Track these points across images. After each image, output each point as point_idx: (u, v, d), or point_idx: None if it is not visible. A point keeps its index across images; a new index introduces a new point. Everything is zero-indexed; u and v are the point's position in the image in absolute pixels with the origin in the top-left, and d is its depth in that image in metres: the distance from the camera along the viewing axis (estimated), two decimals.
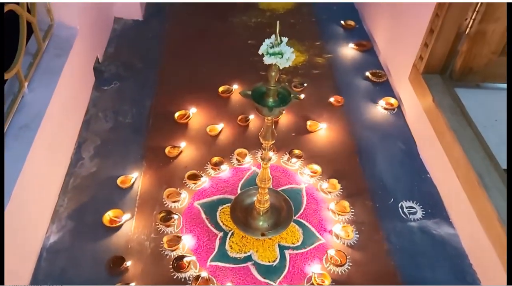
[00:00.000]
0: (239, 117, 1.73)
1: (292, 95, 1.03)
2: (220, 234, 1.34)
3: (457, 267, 1.31)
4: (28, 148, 1.20)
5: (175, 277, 1.24)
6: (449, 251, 1.36)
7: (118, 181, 1.47)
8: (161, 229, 1.35)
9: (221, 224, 1.37)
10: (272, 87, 1.01)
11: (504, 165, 1.37)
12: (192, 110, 1.74)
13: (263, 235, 1.30)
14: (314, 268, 1.27)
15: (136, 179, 1.48)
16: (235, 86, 1.86)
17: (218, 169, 1.53)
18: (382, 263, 1.31)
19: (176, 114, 1.72)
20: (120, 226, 1.35)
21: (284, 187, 1.48)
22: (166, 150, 1.58)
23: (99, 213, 1.37)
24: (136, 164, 1.54)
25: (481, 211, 1.36)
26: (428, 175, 1.56)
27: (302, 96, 1.75)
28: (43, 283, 1.21)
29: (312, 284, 1.23)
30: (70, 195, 1.44)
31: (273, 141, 1.12)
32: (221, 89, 1.84)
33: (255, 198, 1.36)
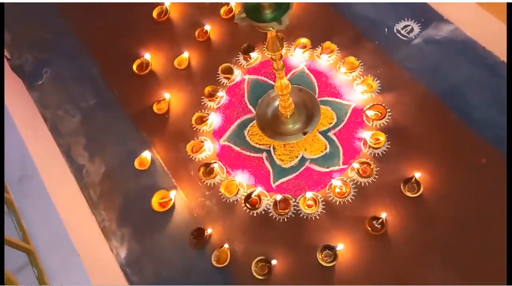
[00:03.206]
0: (196, 33, 1.55)
1: None
2: (264, 155, 1.32)
3: (474, 56, 1.35)
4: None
5: (255, 215, 1.24)
6: (459, 45, 1.38)
7: (136, 165, 1.37)
8: (210, 183, 1.31)
9: (257, 146, 1.33)
10: None
11: None
12: (147, 56, 1.54)
13: (305, 133, 1.28)
14: (363, 133, 1.29)
15: (150, 153, 1.38)
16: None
17: (217, 97, 1.43)
18: (413, 91, 1.33)
19: (134, 67, 1.53)
20: (173, 204, 1.29)
21: (287, 77, 1.41)
22: (154, 109, 1.45)
23: (144, 204, 1.30)
24: (137, 139, 1.42)
25: None
26: None
27: None
28: None
29: (370, 147, 1.27)
30: (103, 206, 1.34)
31: (283, 49, 1.02)
32: (155, 13, 1.62)
33: (274, 105, 1.30)
